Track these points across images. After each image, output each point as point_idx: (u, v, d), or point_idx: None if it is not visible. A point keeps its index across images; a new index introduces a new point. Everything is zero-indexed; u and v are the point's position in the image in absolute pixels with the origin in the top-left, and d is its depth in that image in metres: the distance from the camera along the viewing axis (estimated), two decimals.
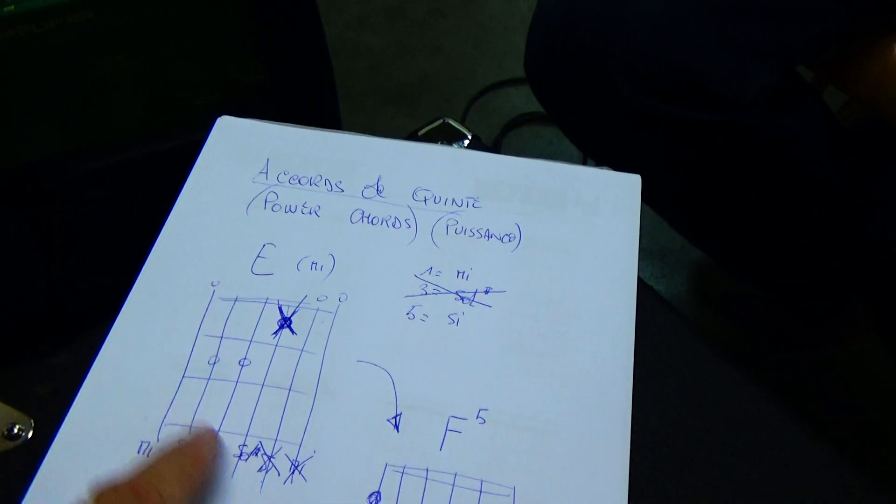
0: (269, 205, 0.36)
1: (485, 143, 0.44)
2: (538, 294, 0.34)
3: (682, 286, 0.97)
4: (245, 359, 0.32)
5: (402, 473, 0.29)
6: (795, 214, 0.57)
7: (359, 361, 0.32)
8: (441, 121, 0.44)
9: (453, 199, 0.37)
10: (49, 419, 0.30)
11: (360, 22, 1.29)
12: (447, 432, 0.30)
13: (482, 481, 0.29)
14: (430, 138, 0.43)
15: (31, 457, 0.29)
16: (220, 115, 0.39)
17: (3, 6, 0.44)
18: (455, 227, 0.36)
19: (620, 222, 0.36)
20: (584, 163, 0.37)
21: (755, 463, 0.33)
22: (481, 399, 0.31)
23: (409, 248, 0.35)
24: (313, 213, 0.36)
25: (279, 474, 0.29)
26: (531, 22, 0.58)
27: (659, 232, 0.97)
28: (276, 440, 0.29)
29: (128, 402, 0.30)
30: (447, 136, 0.44)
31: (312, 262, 0.34)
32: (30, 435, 0.31)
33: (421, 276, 0.34)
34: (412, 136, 0.43)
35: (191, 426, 0.30)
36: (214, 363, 0.31)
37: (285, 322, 0.33)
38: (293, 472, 0.29)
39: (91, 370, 0.31)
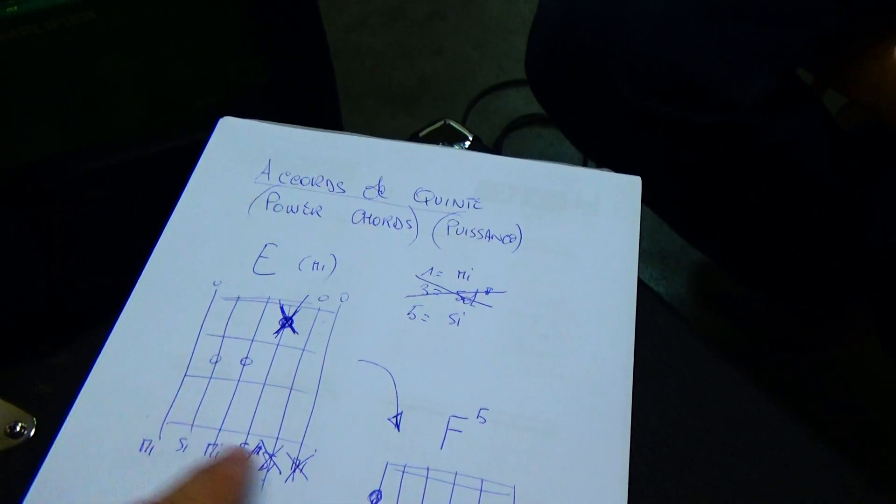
0: (270, 205, 0.36)
1: (485, 144, 0.44)
2: (539, 295, 0.34)
3: (682, 287, 0.97)
4: (247, 358, 0.32)
5: (403, 472, 0.29)
6: (795, 217, 0.57)
7: (360, 361, 0.32)
8: (442, 122, 0.44)
9: (454, 200, 0.37)
10: (51, 417, 0.30)
11: (361, 23, 1.29)
12: (448, 432, 0.30)
13: (482, 480, 0.29)
14: (431, 139, 0.44)
15: (33, 455, 0.29)
16: (220, 116, 0.39)
17: (6, 7, 0.44)
18: (456, 227, 0.36)
19: (621, 223, 0.36)
20: (585, 164, 0.37)
21: (755, 463, 0.33)
22: (482, 399, 0.31)
23: (410, 248, 0.35)
24: (315, 214, 0.36)
25: (280, 473, 0.29)
26: (532, 23, 0.58)
27: (659, 233, 0.97)
28: (277, 439, 0.30)
29: (130, 401, 0.30)
30: (448, 138, 0.44)
31: (314, 262, 0.35)
32: (32, 433, 0.31)
33: (422, 277, 0.34)
34: (413, 137, 0.44)
35: (192, 425, 0.30)
36: (216, 362, 0.31)
37: (287, 321, 0.33)
38: (294, 471, 0.29)
39: (93, 369, 0.31)
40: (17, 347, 0.36)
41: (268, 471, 0.29)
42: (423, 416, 0.30)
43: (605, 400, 0.31)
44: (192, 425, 0.30)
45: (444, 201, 0.37)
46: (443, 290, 0.34)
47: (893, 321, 0.52)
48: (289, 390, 0.31)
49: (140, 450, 0.29)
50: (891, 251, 0.49)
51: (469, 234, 0.36)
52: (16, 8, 0.44)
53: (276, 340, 0.32)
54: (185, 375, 0.31)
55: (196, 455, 0.29)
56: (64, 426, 0.30)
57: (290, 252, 0.35)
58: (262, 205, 0.36)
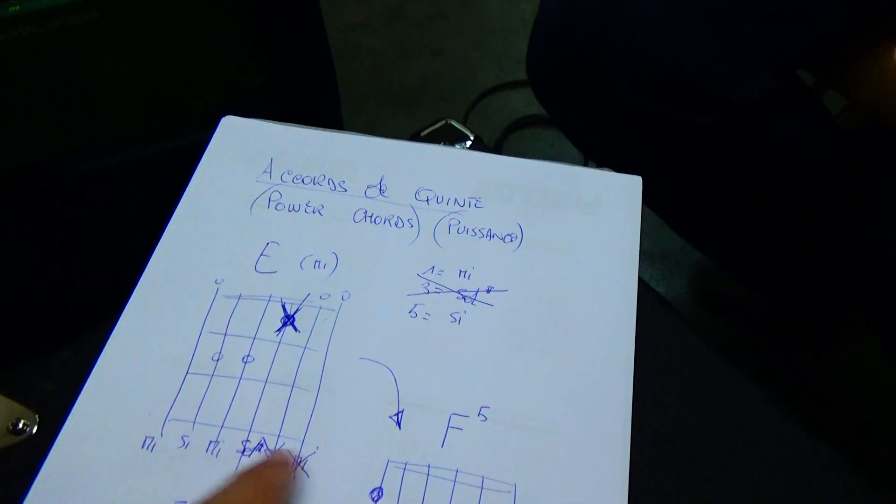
0: (272, 204, 0.36)
1: (486, 144, 0.44)
2: (539, 293, 0.34)
3: (682, 288, 0.97)
4: (248, 356, 0.32)
5: (404, 470, 0.29)
6: (795, 217, 0.57)
7: (361, 359, 0.32)
8: (443, 122, 0.44)
9: (455, 199, 0.37)
10: (53, 415, 0.30)
11: (361, 23, 1.29)
12: (449, 429, 0.30)
13: (483, 478, 0.29)
14: (432, 139, 0.44)
15: (35, 452, 0.29)
16: (220, 116, 0.39)
17: (8, 6, 0.44)
18: (457, 226, 0.36)
19: (621, 223, 0.36)
20: (586, 165, 0.37)
21: (755, 462, 0.33)
22: (483, 397, 0.31)
23: (411, 247, 0.35)
24: (317, 213, 0.36)
25: None
26: (533, 24, 0.58)
27: (659, 234, 0.97)
28: (278, 436, 0.30)
29: (132, 398, 0.30)
30: (449, 137, 0.44)
31: (316, 261, 0.35)
32: (34, 430, 0.31)
33: (423, 275, 0.34)
34: (415, 137, 0.44)
35: (194, 422, 0.30)
36: (218, 360, 0.32)
37: (288, 319, 0.33)
38: (296, 468, 0.29)
39: (95, 366, 0.31)
40: (18, 347, 0.36)
41: None
42: (425, 413, 0.30)
43: (606, 398, 0.31)
44: (194, 423, 0.30)
45: (445, 200, 0.37)
46: (444, 289, 0.34)
47: (893, 321, 0.53)
48: (290, 388, 0.31)
49: (142, 447, 0.29)
50: (890, 251, 0.50)
51: (470, 233, 0.36)
52: (18, 7, 0.44)
53: (278, 338, 0.32)
54: (187, 373, 0.31)
55: (198, 452, 0.29)
56: (66, 423, 0.30)
57: (291, 250, 0.35)
58: (263, 203, 0.36)
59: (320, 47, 0.57)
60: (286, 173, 0.37)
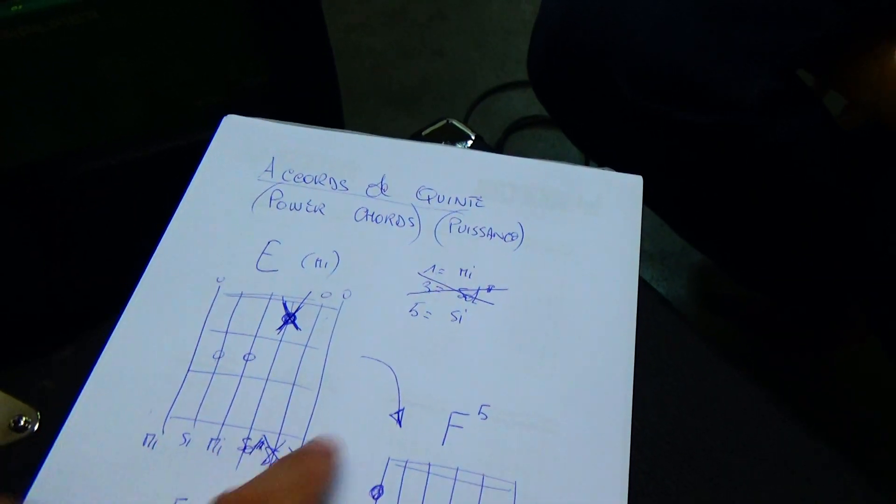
0: (274, 202, 0.37)
1: (487, 143, 0.44)
2: (540, 292, 0.34)
3: (682, 289, 0.97)
4: (250, 354, 0.32)
5: (405, 468, 0.29)
6: (795, 217, 0.57)
7: (362, 357, 0.32)
8: (444, 121, 0.45)
9: (456, 199, 0.37)
10: (55, 412, 0.30)
11: (362, 24, 1.29)
12: (449, 428, 0.30)
13: (483, 476, 0.29)
14: (433, 138, 0.44)
15: (36, 449, 0.29)
16: (220, 116, 0.40)
17: (10, 5, 0.44)
18: (458, 225, 0.36)
19: (622, 222, 0.36)
20: (586, 166, 0.37)
21: (755, 462, 0.33)
22: (483, 395, 0.31)
23: (412, 245, 0.35)
24: (318, 211, 0.36)
25: None
26: (534, 24, 0.58)
27: (659, 235, 0.97)
28: (279, 434, 0.30)
29: (133, 396, 0.30)
30: (451, 137, 0.44)
31: (317, 259, 0.35)
32: (36, 427, 0.31)
33: (424, 274, 0.34)
34: (416, 136, 0.44)
35: (195, 419, 0.30)
36: (219, 358, 0.32)
37: (289, 318, 0.33)
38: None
39: (97, 364, 0.31)
40: (18, 347, 0.36)
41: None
42: (425, 412, 0.30)
43: (606, 398, 0.31)
44: (195, 420, 0.30)
45: (446, 199, 0.37)
46: (445, 288, 0.34)
47: (893, 321, 0.53)
48: (291, 386, 0.31)
49: (143, 444, 0.29)
50: (891, 251, 0.50)
51: (471, 231, 0.36)
52: (20, 7, 0.44)
53: (279, 336, 0.32)
54: (189, 371, 0.31)
55: (199, 450, 0.29)
56: (68, 421, 0.30)
57: (293, 249, 0.35)
58: (265, 202, 0.37)
59: (322, 47, 0.58)
60: (288, 172, 0.38)
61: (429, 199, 0.37)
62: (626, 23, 0.50)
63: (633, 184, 0.37)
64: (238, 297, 0.33)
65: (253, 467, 0.29)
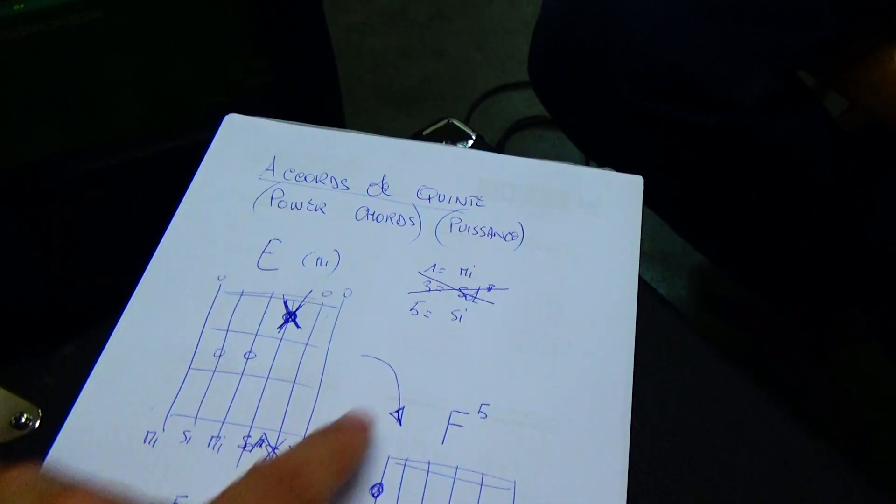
0: (275, 201, 0.37)
1: (488, 143, 0.44)
2: (540, 292, 0.34)
3: (682, 290, 0.97)
4: (250, 352, 0.32)
5: (404, 466, 0.29)
6: (795, 217, 0.57)
7: (362, 356, 0.32)
8: (445, 121, 0.45)
9: (457, 198, 0.37)
10: (56, 409, 0.30)
11: (363, 24, 1.29)
12: (449, 426, 0.30)
13: (483, 475, 0.29)
14: (434, 138, 0.44)
15: (37, 446, 0.29)
16: (221, 116, 0.40)
17: (13, 4, 0.44)
18: (459, 225, 0.36)
19: (622, 222, 0.36)
20: (587, 165, 0.37)
21: (755, 462, 0.33)
22: (483, 394, 0.31)
23: (413, 245, 0.35)
24: (319, 210, 0.36)
25: None
26: (535, 24, 0.58)
27: (660, 236, 0.97)
28: (280, 432, 0.30)
29: (134, 393, 0.31)
30: (451, 136, 0.44)
31: (318, 258, 0.35)
32: (37, 424, 0.31)
33: (424, 273, 0.34)
34: (417, 136, 0.44)
35: (196, 417, 0.30)
36: (220, 356, 0.32)
37: (290, 316, 0.33)
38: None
39: (98, 361, 0.31)
40: (18, 347, 0.36)
41: None
42: (425, 410, 0.31)
43: (606, 397, 0.31)
44: (196, 418, 0.30)
45: (446, 199, 0.37)
46: (445, 287, 0.34)
47: (893, 322, 0.53)
48: (292, 384, 0.31)
49: (144, 441, 0.29)
50: (891, 251, 0.50)
51: (471, 231, 0.36)
52: (22, 6, 0.45)
53: (280, 335, 0.32)
54: (189, 369, 0.31)
55: (199, 447, 0.29)
56: (69, 418, 0.30)
57: (293, 248, 0.35)
58: (266, 201, 0.37)
59: (323, 47, 0.58)
60: (289, 171, 0.38)
61: (429, 199, 0.37)
62: (626, 23, 0.50)
63: (634, 184, 0.37)
64: (239, 296, 0.33)
65: None
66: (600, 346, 0.32)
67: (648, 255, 0.99)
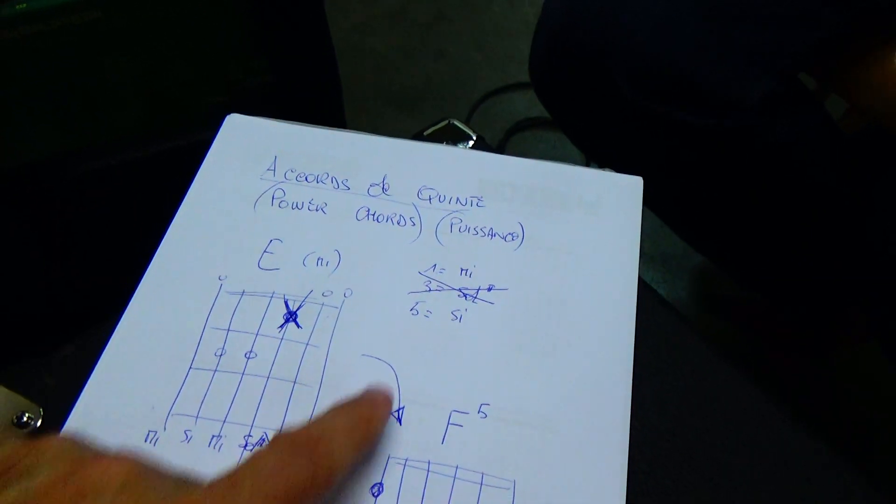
0: (276, 201, 0.37)
1: (489, 143, 0.44)
2: (540, 292, 0.34)
3: (683, 291, 0.97)
4: (251, 351, 0.32)
5: (404, 466, 0.29)
6: (795, 218, 0.57)
7: (363, 356, 0.32)
8: (446, 121, 0.45)
9: (457, 198, 0.37)
10: (57, 409, 0.30)
11: (364, 25, 1.29)
12: (449, 426, 0.30)
13: (483, 474, 0.29)
14: (435, 139, 0.44)
15: None
16: (222, 116, 0.40)
17: (15, 4, 0.44)
18: (459, 225, 0.36)
19: (622, 222, 0.36)
20: (587, 166, 0.37)
21: (754, 462, 0.33)
22: (483, 394, 0.31)
23: (413, 245, 0.35)
24: (320, 210, 0.36)
25: None
26: (536, 25, 0.58)
27: (660, 237, 0.98)
28: (280, 431, 0.30)
29: (135, 393, 0.31)
30: (452, 137, 0.44)
31: (318, 258, 0.35)
32: (38, 424, 0.31)
33: (425, 273, 0.34)
34: (418, 137, 0.44)
35: (197, 417, 0.30)
36: (221, 355, 0.32)
37: (291, 316, 0.33)
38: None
39: (99, 361, 0.31)
40: (18, 347, 0.36)
41: None
42: (425, 410, 0.31)
43: (605, 397, 0.31)
44: (197, 417, 0.30)
45: (447, 199, 0.37)
46: (445, 287, 0.34)
47: (893, 322, 0.53)
48: (292, 384, 0.31)
49: (145, 441, 0.29)
50: (891, 251, 0.50)
51: (472, 231, 0.36)
52: (24, 5, 0.45)
53: (280, 335, 0.32)
54: (191, 368, 0.31)
55: (200, 447, 0.29)
56: (70, 417, 0.30)
57: (294, 248, 0.35)
58: (267, 201, 0.37)
59: (324, 48, 0.58)
60: (290, 171, 0.38)
61: (430, 199, 0.37)
62: (626, 23, 0.50)
63: (634, 184, 0.37)
64: (240, 296, 0.33)
65: None
66: (600, 346, 0.32)
67: (649, 256, 0.99)
